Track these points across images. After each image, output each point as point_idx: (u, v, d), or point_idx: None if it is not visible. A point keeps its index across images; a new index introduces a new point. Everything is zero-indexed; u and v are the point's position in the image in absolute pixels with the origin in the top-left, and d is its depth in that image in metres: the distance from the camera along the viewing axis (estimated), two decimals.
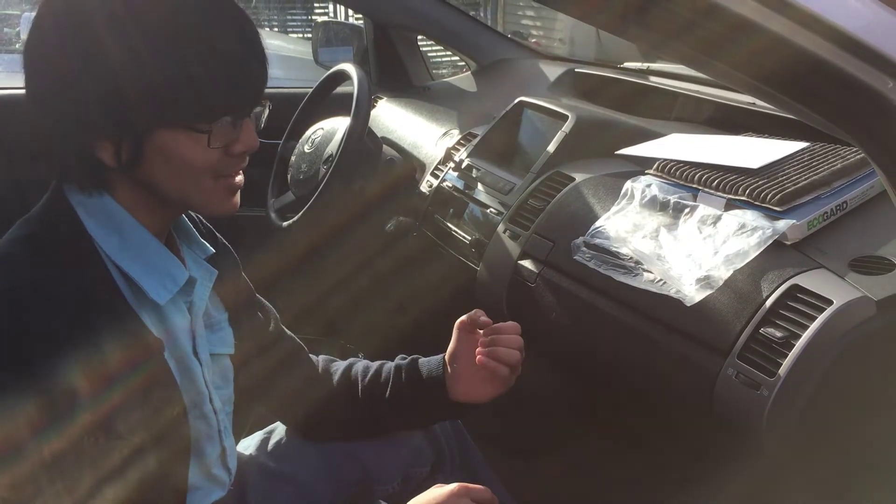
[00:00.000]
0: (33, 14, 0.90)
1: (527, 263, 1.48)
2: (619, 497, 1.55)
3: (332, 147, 1.92)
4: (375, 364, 1.26)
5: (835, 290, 1.06)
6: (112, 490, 0.87)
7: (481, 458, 1.37)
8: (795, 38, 0.67)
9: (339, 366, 1.28)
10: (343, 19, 5.90)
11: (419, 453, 1.30)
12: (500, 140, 1.81)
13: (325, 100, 2.13)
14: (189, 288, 1.00)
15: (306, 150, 1.99)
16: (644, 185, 1.35)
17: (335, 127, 1.97)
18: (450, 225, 1.77)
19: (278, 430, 1.31)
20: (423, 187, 1.94)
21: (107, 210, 0.92)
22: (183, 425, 0.97)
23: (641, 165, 1.48)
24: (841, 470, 1.10)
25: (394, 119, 2.27)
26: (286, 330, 1.25)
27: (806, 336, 1.03)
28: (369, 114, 1.91)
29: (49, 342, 0.83)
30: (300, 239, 1.90)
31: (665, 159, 1.39)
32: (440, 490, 1.03)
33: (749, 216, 1.19)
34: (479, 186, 1.73)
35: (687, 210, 1.27)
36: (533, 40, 6.71)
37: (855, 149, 1.27)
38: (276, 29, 8.37)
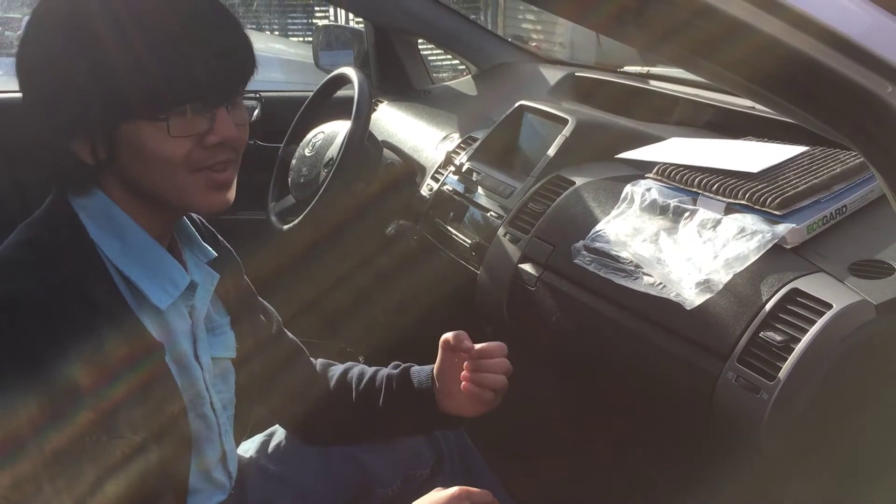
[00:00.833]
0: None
1: (527, 267, 1.48)
2: (620, 500, 1.55)
3: (333, 150, 1.92)
4: (371, 370, 1.26)
5: (834, 293, 1.06)
6: (113, 489, 0.88)
7: (481, 460, 1.37)
8: (790, 39, 0.68)
9: (337, 369, 1.28)
10: (343, 23, 5.91)
11: (419, 455, 1.30)
12: (500, 144, 1.81)
13: (325, 103, 2.14)
14: (190, 292, 1.00)
15: (307, 154, 1.99)
16: (644, 189, 1.36)
17: (336, 130, 1.98)
18: (450, 228, 1.77)
19: (278, 432, 1.31)
20: (424, 191, 1.94)
21: (108, 214, 0.92)
22: (183, 424, 0.97)
23: (641, 169, 1.48)
24: (840, 473, 1.10)
25: (394, 123, 2.28)
26: (287, 332, 1.25)
27: (806, 340, 1.03)
28: (370, 117, 1.91)
29: (51, 345, 0.83)
30: (300, 242, 1.90)
31: (665, 163, 1.39)
32: (441, 494, 1.03)
33: (749, 220, 1.19)
34: (480, 190, 1.74)
35: (687, 214, 1.27)
36: (533, 44, 6.71)
37: (854, 153, 1.27)
38: (276, 32, 8.37)
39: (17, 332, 0.83)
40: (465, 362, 1.15)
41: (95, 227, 0.92)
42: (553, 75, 2.20)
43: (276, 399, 1.23)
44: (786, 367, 1.03)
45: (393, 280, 1.97)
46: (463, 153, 1.88)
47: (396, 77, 2.54)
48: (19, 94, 0.91)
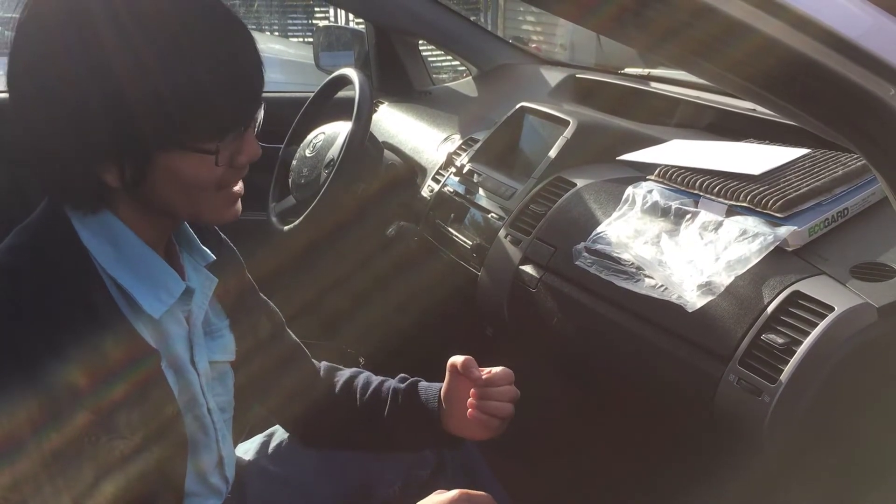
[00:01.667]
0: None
1: (528, 269, 1.48)
2: (621, 502, 1.55)
3: (334, 151, 1.92)
4: (377, 379, 1.25)
5: (836, 296, 1.06)
6: (111, 490, 0.87)
7: (482, 461, 1.37)
8: (791, 40, 0.67)
9: (343, 374, 1.27)
10: (344, 24, 5.91)
11: (420, 457, 1.29)
12: (501, 145, 1.81)
13: (326, 104, 2.14)
14: (187, 297, 0.99)
15: (308, 155, 1.99)
16: (645, 191, 1.36)
17: (336, 131, 1.98)
18: (451, 230, 1.77)
19: (278, 433, 1.30)
20: (425, 192, 1.94)
21: (103, 222, 0.91)
22: (179, 425, 0.97)
23: (643, 171, 1.48)
24: (842, 476, 1.10)
25: (395, 124, 2.28)
26: (289, 333, 1.25)
27: (807, 342, 1.02)
28: (371, 118, 1.91)
29: (46, 351, 0.83)
30: (301, 243, 1.90)
31: (666, 165, 1.39)
32: (441, 497, 1.03)
33: (750, 222, 1.19)
34: (481, 191, 1.74)
35: (688, 216, 1.27)
36: (533, 45, 6.72)
37: (856, 155, 1.27)
38: (276, 33, 8.38)
39: (11, 337, 0.83)
40: (472, 389, 1.14)
41: (89, 234, 0.91)
42: (554, 77, 2.20)
43: (276, 399, 1.23)
44: (787, 369, 1.03)
45: (393, 281, 1.97)
46: (464, 154, 1.88)
47: (397, 78, 2.54)
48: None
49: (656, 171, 1.40)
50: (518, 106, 1.80)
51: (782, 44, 0.68)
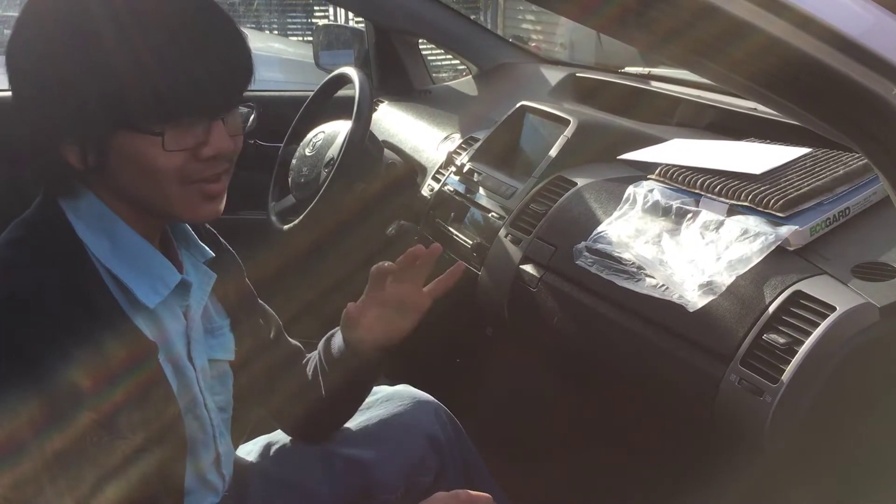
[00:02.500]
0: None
1: (528, 268, 1.48)
2: (621, 503, 1.54)
3: (334, 150, 1.92)
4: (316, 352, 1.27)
5: (838, 296, 1.05)
6: (113, 489, 0.87)
7: (484, 467, 1.36)
8: (793, 40, 0.67)
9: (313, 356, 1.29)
10: (343, 22, 5.91)
11: (423, 462, 1.28)
12: (501, 144, 1.81)
13: (326, 103, 2.13)
14: (185, 291, 0.99)
15: (307, 154, 1.99)
16: (646, 191, 1.35)
17: (336, 130, 1.97)
18: (451, 229, 1.77)
19: (281, 436, 1.30)
20: (425, 191, 1.94)
21: (97, 214, 0.91)
22: (179, 426, 0.97)
23: (643, 170, 1.47)
24: (844, 476, 1.09)
25: (395, 123, 2.27)
26: (286, 335, 1.25)
27: (809, 342, 1.02)
28: (370, 117, 1.91)
29: (44, 344, 0.83)
30: (301, 242, 1.90)
31: (667, 164, 1.39)
32: (443, 496, 1.02)
33: (752, 222, 1.19)
34: (481, 190, 1.73)
35: (689, 215, 1.27)
36: (533, 44, 6.71)
37: (857, 155, 1.27)
38: (276, 32, 8.37)
39: (10, 332, 0.83)
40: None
41: (84, 227, 0.91)
42: (554, 76, 2.20)
43: (276, 402, 1.23)
44: (789, 369, 1.02)
45: None
46: (464, 153, 1.88)
47: (397, 77, 2.54)
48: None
49: (657, 171, 1.39)
50: (518, 105, 1.80)
51: (784, 43, 0.68)
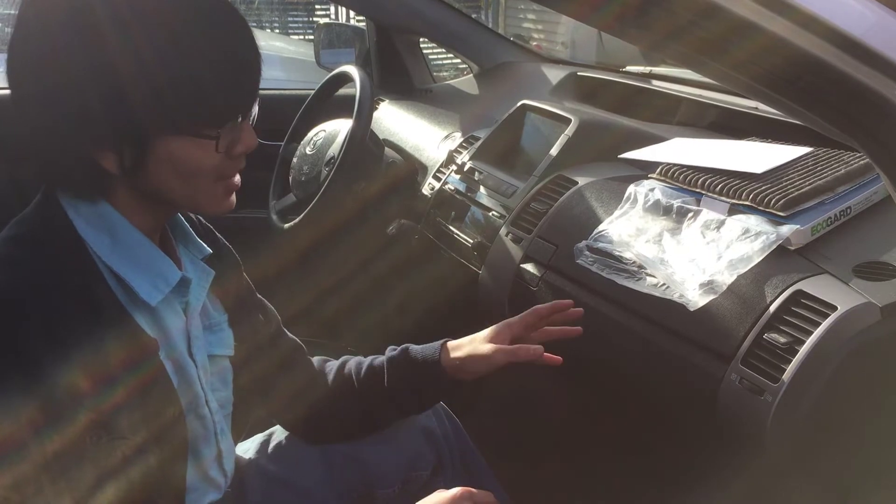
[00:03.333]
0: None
1: (529, 267, 1.47)
2: (621, 502, 1.54)
3: (334, 149, 1.91)
4: (367, 358, 1.26)
5: (839, 295, 1.05)
6: (113, 490, 0.87)
7: (482, 461, 1.36)
8: (796, 39, 0.67)
9: (333, 364, 1.28)
10: (344, 21, 5.90)
11: (420, 457, 1.29)
12: (502, 143, 1.80)
13: (327, 102, 2.13)
14: (184, 288, 0.99)
15: (308, 152, 1.99)
16: (647, 190, 1.35)
17: (337, 129, 1.97)
18: (452, 228, 1.77)
19: (278, 432, 1.30)
20: (425, 190, 1.94)
21: (98, 212, 0.91)
22: (181, 425, 0.97)
23: (644, 169, 1.47)
24: (844, 475, 1.09)
25: (396, 121, 2.27)
26: (286, 332, 1.25)
27: (810, 342, 1.02)
28: (371, 116, 1.91)
29: (47, 342, 0.82)
30: (301, 241, 1.89)
31: (668, 163, 1.39)
32: (443, 494, 1.02)
33: (753, 221, 1.19)
34: (482, 189, 1.73)
35: (690, 214, 1.27)
36: (534, 43, 6.71)
37: (859, 154, 1.27)
38: (277, 30, 8.37)
39: (9, 330, 0.82)
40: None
41: (84, 224, 0.91)
42: (555, 75, 2.20)
43: (275, 399, 1.23)
44: (790, 369, 1.02)
45: (394, 280, 1.96)
46: (465, 152, 1.87)
47: (398, 75, 2.54)
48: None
49: (658, 170, 1.39)
50: (519, 104, 1.80)
51: (787, 42, 0.67)
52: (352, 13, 5.75)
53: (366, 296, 2.04)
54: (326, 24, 3.23)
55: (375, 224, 1.97)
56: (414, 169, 2.05)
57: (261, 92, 0.94)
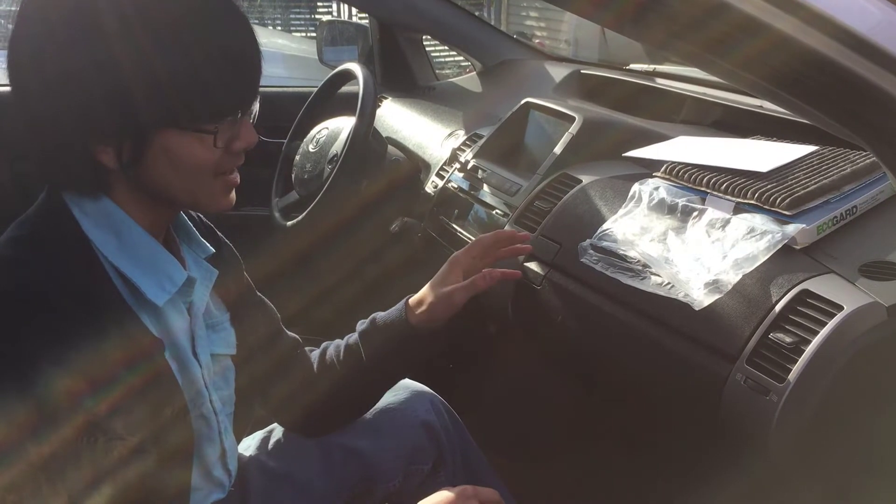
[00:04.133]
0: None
1: (533, 266, 1.47)
2: (623, 501, 1.54)
3: (337, 147, 1.91)
4: (343, 339, 1.29)
5: (845, 295, 1.05)
6: (117, 490, 0.87)
7: (482, 456, 1.37)
8: (803, 37, 0.67)
9: (315, 354, 1.29)
10: (346, 18, 5.90)
11: (421, 451, 1.30)
12: (506, 141, 1.80)
13: (330, 99, 2.12)
14: (188, 288, 0.99)
15: (311, 150, 1.98)
16: (652, 188, 1.35)
17: (340, 126, 1.97)
18: (455, 226, 1.76)
19: (278, 428, 1.31)
20: (428, 188, 1.93)
21: (104, 211, 0.91)
22: (185, 425, 0.97)
23: (649, 168, 1.47)
24: (850, 476, 1.09)
25: (399, 119, 2.27)
26: (285, 330, 1.25)
27: (816, 341, 1.01)
28: (374, 114, 1.90)
29: (51, 343, 0.82)
30: (304, 239, 1.89)
31: (673, 162, 1.38)
32: (448, 493, 1.02)
33: (758, 220, 1.18)
34: (485, 188, 1.73)
35: (695, 213, 1.26)
36: (537, 41, 6.70)
37: (865, 153, 1.26)
38: (279, 28, 8.37)
39: (15, 330, 0.82)
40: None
41: (90, 224, 0.90)
42: (558, 73, 2.19)
43: (275, 396, 1.23)
44: (795, 369, 1.02)
45: (397, 277, 1.96)
46: (468, 150, 1.87)
47: (401, 73, 2.53)
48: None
49: (663, 168, 1.39)
50: (523, 102, 1.79)
51: (794, 40, 0.67)
52: (354, 10, 5.74)
53: (368, 294, 2.03)
54: (329, 22, 3.22)
55: (378, 222, 1.96)
56: (417, 167, 2.04)
57: (263, 89, 0.94)
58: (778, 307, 1.08)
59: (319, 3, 8.75)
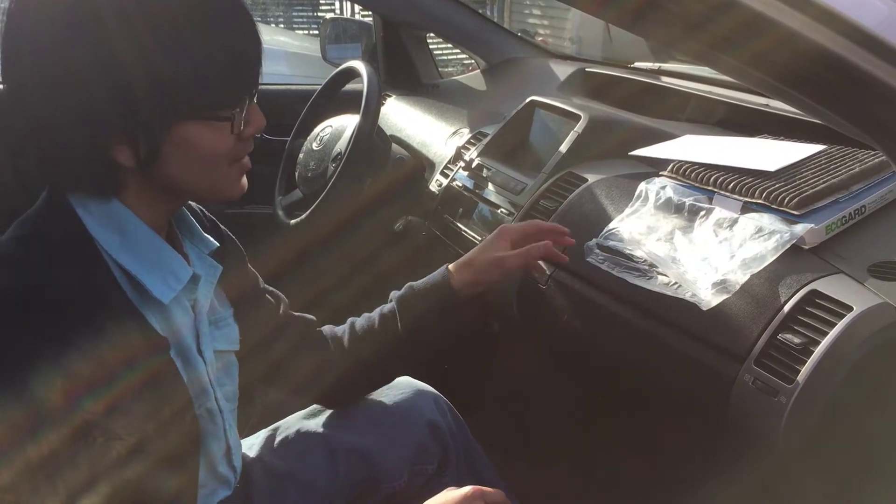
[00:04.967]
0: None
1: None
2: (631, 503, 1.53)
3: (341, 145, 1.91)
4: (373, 312, 1.30)
5: (854, 295, 1.04)
6: (112, 490, 0.86)
7: (485, 456, 1.36)
8: (811, 34, 0.66)
9: (343, 328, 1.30)
10: (349, 16, 5.89)
11: (426, 450, 1.29)
12: (510, 140, 1.79)
13: (334, 97, 2.12)
14: (193, 285, 0.99)
15: (315, 148, 1.98)
16: (658, 187, 1.34)
17: (344, 125, 1.96)
18: (459, 225, 1.76)
19: (282, 427, 1.30)
20: (433, 186, 1.92)
21: (108, 208, 0.90)
22: (192, 422, 0.96)
23: (655, 167, 1.46)
24: (859, 478, 1.08)
25: (403, 117, 2.26)
26: (295, 314, 1.25)
27: (825, 342, 1.01)
28: (378, 112, 1.90)
29: (55, 343, 0.81)
30: (307, 237, 1.89)
31: (680, 161, 1.37)
32: (454, 493, 1.02)
33: (766, 220, 1.17)
34: (490, 186, 1.72)
35: (702, 213, 1.25)
36: (540, 39, 6.69)
37: (874, 152, 1.26)
38: (281, 25, 8.36)
39: (21, 330, 0.81)
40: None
41: (94, 222, 0.90)
42: (563, 71, 2.18)
43: (293, 380, 1.23)
44: (804, 370, 1.01)
45: (401, 276, 1.95)
46: (473, 149, 1.86)
47: (404, 71, 2.53)
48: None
49: (669, 167, 1.38)
50: (528, 100, 1.79)
51: (801, 36, 0.66)
52: (357, 7, 5.73)
53: (372, 293, 2.02)
54: (333, 19, 3.21)
55: (382, 221, 1.96)
56: (421, 165, 2.04)
57: (266, 87, 0.94)
58: (786, 307, 1.07)
59: (322, 1, 8.74)
